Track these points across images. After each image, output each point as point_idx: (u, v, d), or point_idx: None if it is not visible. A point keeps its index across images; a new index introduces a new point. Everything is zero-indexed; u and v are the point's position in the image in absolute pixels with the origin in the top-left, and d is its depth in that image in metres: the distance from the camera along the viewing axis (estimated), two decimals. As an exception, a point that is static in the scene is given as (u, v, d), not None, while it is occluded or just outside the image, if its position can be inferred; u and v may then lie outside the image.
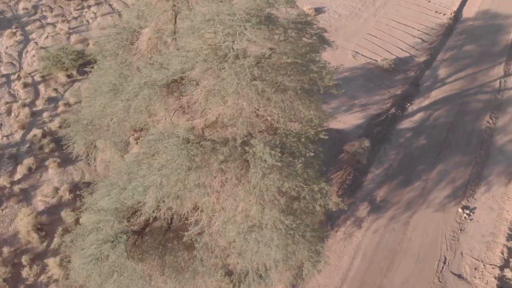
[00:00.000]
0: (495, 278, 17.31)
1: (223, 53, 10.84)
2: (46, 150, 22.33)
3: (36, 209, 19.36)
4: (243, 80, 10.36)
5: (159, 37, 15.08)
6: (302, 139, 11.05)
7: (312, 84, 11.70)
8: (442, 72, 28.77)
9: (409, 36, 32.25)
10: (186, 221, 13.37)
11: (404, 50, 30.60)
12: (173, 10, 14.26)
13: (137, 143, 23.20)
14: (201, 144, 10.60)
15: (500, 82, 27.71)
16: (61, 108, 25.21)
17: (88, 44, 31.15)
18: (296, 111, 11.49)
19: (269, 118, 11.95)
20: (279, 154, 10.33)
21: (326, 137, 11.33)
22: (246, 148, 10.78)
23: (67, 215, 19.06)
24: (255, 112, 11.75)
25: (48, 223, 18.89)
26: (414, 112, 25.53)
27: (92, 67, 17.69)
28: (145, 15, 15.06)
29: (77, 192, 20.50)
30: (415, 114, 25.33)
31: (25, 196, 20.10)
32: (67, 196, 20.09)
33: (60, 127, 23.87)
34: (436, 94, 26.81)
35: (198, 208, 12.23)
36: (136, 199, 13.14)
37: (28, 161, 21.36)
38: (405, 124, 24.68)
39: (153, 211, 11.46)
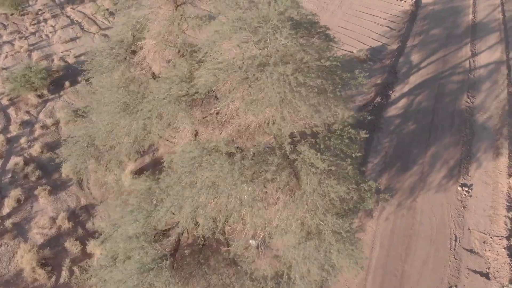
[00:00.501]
0: (505, 248, 18.29)
1: (259, 62, 10.52)
2: (32, 178, 20.82)
3: (35, 243, 17.99)
4: (285, 87, 10.12)
5: (165, 48, 14.42)
6: (346, 140, 11.01)
7: (343, 84, 11.67)
8: (415, 57, 29.89)
9: (377, 26, 33.19)
10: (223, 236, 12.98)
11: (375, 40, 31.46)
12: (180, 20, 13.65)
13: (129, 160, 22.18)
14: (250, 157, 10.26)
15: (469, 62, 29.21)
16: (38, 132, 23.59)
17: (53, 60, 29.33)
18: (331, 112, 11.41)
19: (301, 123, 11.82)
20: (330, 159, 10.23)
21: (367, 135, 11.36)
22: (293, 155, 10.58)
23: (72, 245, 17.88)
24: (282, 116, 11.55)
25: (52, 257, 17.63)
26: (397, 99, 26.35)
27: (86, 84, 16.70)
28: (147, 26, 14.31)
29: (77, 220, 19.36)
30: (399, 101, 26.15)
31: (20, 231, 18.63)
32: (66, 224, 18.85)
33: (42, 152, 22.36)
34: (414, 79, 27.82)
35: (240, 221, 11.87)
36: (168, 220, 12.61)
37: (15, 193, 19.82)
38: (392, 111, 25.42)
39: (202, 231, 10.97)
